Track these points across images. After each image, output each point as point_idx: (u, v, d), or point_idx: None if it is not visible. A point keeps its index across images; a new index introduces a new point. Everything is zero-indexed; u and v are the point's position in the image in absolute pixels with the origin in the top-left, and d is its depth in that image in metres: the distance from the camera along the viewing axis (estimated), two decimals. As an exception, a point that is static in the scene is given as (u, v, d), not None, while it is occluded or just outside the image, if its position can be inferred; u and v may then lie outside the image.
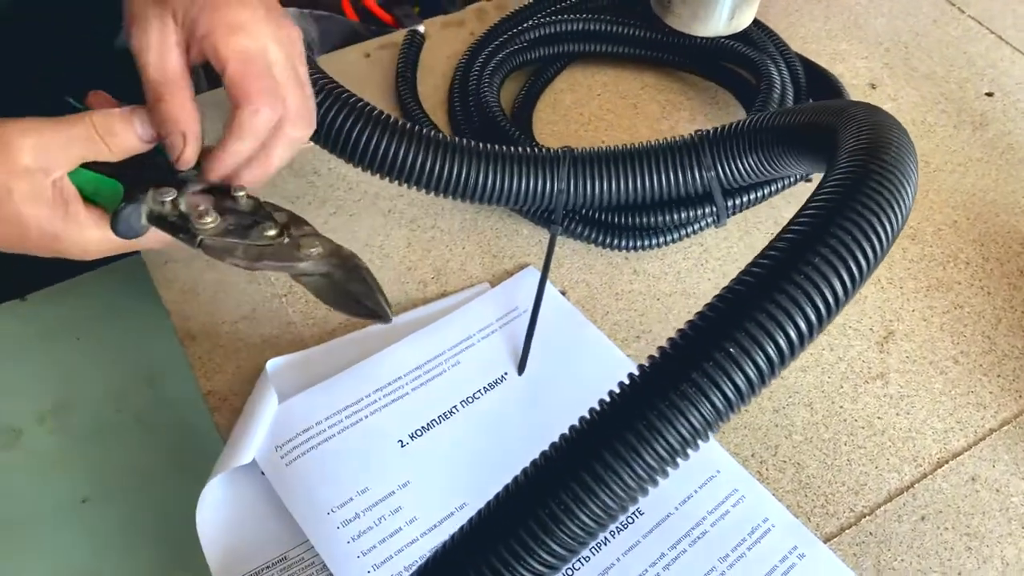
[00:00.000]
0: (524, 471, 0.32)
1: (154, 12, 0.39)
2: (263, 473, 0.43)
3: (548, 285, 0.51)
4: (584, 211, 0.52)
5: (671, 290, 0.52)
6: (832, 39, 0.69)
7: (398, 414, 0.45)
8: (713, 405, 0.30)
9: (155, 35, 0.39)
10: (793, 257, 0.31)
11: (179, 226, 0.39)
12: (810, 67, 0.61)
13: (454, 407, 0.46)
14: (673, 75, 0.65)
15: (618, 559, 0.42)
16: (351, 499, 0.42)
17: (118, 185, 0.39)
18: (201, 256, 0.52)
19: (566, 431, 0.31)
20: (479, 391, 0.47)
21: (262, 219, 0.40)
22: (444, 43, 0.66)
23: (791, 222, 0.32)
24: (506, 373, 0.48)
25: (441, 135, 0.48)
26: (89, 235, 0.39)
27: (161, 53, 0.39)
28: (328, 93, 0.47)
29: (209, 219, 0.39)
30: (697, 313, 0.31)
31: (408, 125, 0.47)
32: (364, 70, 0.64)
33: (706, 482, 0.44)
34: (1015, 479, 0.46)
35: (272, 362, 0.46)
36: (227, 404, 0.46)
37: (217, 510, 0.41)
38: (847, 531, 0.43)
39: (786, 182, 0.53)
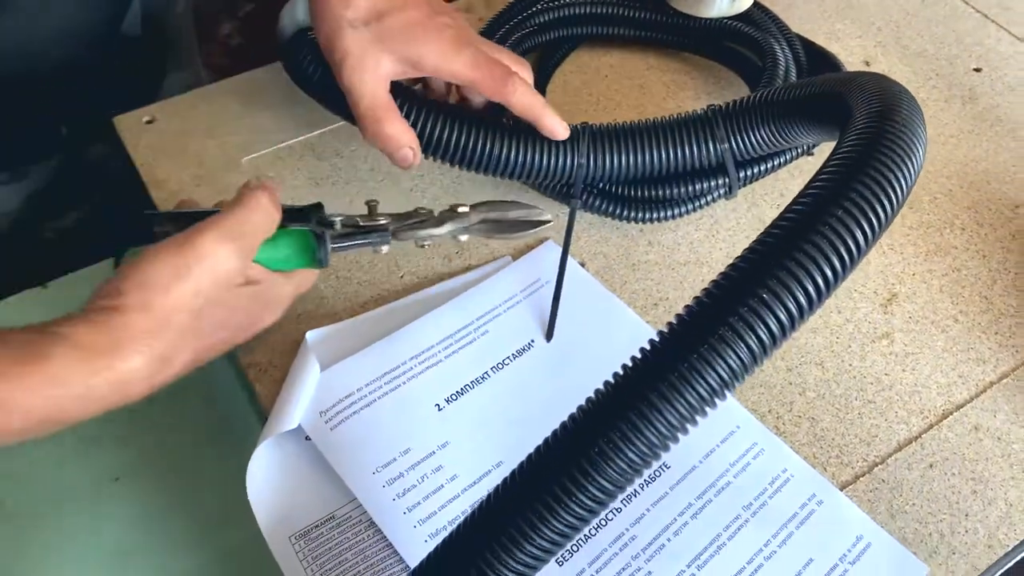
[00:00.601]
0: (571, 416, 0.34)
1: (363, 58, 0.46)
2: (307, 438, 0.44)
3: (569, 260, 0.53)
4: (601, 185, 0.54)
5: (685, 260, 0.55)
6: (827, 19, 0.72)
7: (433, 380, 0.47)
8: (741, 353, 0.32)
9: (364, 76, 0.46)
10: (816, 211, 0.33)
11: (357, 234, 0.44)
12: (809, 46, 0.63)
13: (486, 373, 0.48)
14: (676, 56, 0.67)
15: (648, 509, 0.44)
16: (394, 459, 0.44)
17: (306, 231, 0.44)
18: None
19: (608, 380, 0.33)
20: (508, 357, 0.49)
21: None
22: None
23: (810, 183, 0.35)
24: (533, 340, 0.50)
25: (463, 109, 0.50)
26: (285, 292, 0.45)
27: (374, 90, 0.47)
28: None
29: (382, 219, 0.45)
30: (728, 266, 0.33)
31: (432, 99, 0.49)
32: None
33: (727, 437, 0.47)
34: (1015, 427, 0.48)
35: (311, 333, 0.48)
36: (267, 375, 0.48)
37: (266, 474, 0.43)
38: (861, 479, 0.46)
39: (793, 154, 0.56)
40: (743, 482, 0.45)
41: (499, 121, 0.50)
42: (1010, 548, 0.44)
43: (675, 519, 0.44)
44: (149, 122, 0.60)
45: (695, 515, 0.44)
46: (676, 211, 0.55)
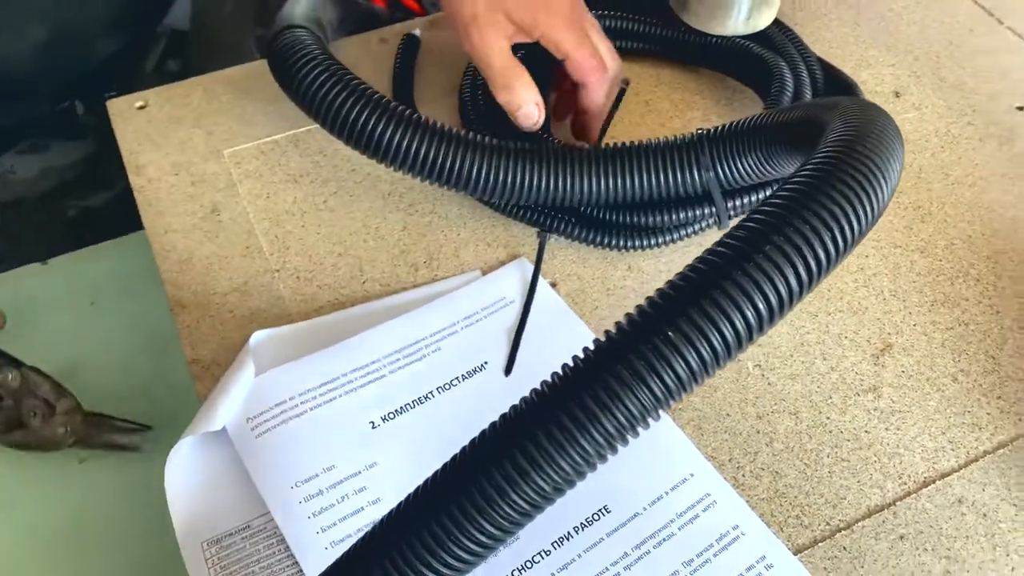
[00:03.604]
0: (462, 449, 0.32)
1: (491, 17, 0.49)
2: (232, 442, 0.43)
3: (539, 279, 0.50)
4: (579, 209, 0.51)
5: (664, 289, 0.51)
6: (860, 45, 0.67)
7: (373, 395, 0.45)
8: (651, 390, 0.29)
9: (493, 35, 0.49)
10: (750, 243, 0.30)
11: None
12: (829, 71, 0.59)
13: (430, 392, 0.46)
14: (689, 72, 0.64)
15: (579, 555, 0.41)
16: (316, 475, 0.42)
17: None
18: (201, 227, 0.53)
19: (505, 411, 0.31)
20: (457, 378, 0.47)
21: None
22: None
23: (756, 207, 0.32)
24: (486, 362, 0.47)
25: (435, 122, 0.48)
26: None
27: (502, 49, 0.50)
28: (339, 79, 0.47)
29: None
30: (648, 297, 0.30)
31: (408, 112, 0.48)
32: (379, 55, 0.64)
33: (678, 484, 0.44)
34: (1005, 504, 0.44)
35: (256, 335, 0.47)
36: (209, 373, 0.46)
37: (185, 473, 0.42)
38: (820, 544, 0.42)
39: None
40: (688, 535, 0.42)
41: (464, 136, 0.48)
42: (980, 642, 0.40)
43: (606, 568, 0.41)
44: (141, 107, 0.59)
45: (629, 566, 0.41)
46: (659, 239, 0.51)
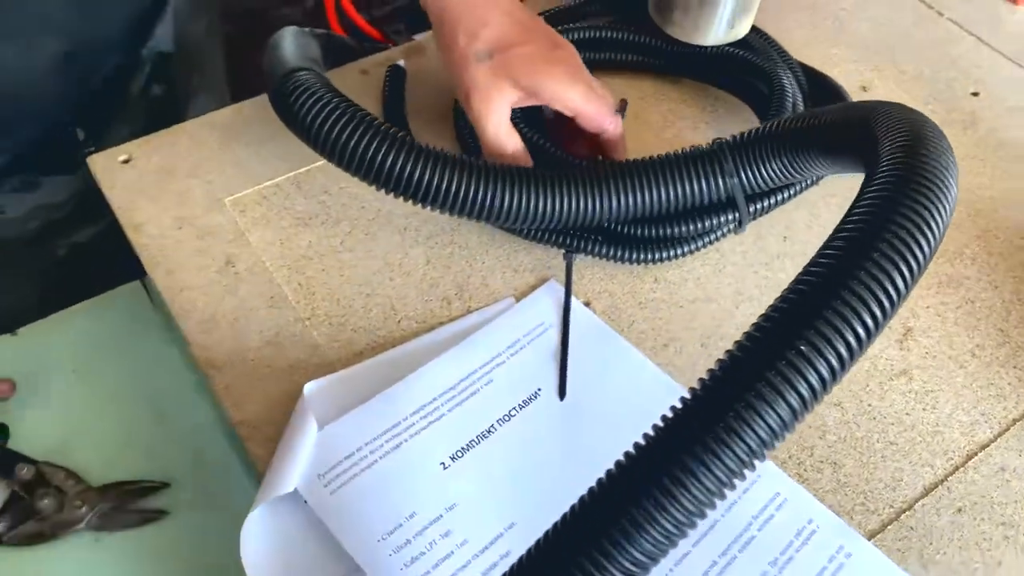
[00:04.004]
0: (598, 481, 0.32)
1: (495, 85, 0.50)
2: (307, 501, 0.41)
3: (573, 300, 0.51)
4: (605, 226, 0.52)
5: (693, 297, 0.53)
6: (822, 44, 0.71)
7: (437, 435, 0.44)
8: (782, 410, 0.30)
9: (495, 105, 0.50)
10: (856, 254, 0.31)
11: None
12: (808, 72, 0.62)
13: (491, 426, 0.46)
14: (669, 84, 0.66)
15: (671, 570, 0.42)
16: (400, 525, 0.41)
17: None
18: (219, 282, 0.51)
19: (639, 441, 0.31)
20: (514, 408, 0.46)
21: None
22: (443, 58, 0.65)
23: (845, 221, 0.33)
24: (539, 389, 0.47)
25: (463, 157, 0.48)
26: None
27: (499, 121, 0.50)
28: (353, 117, 0.46)
29: None
30: (762, 315, 0.31)
31: (438, 150, 0.47)
32: (362, 87, 0.63)
33: (748, 487, 0.45)
34: (1042, 467, 0.47)
35: (309, 385, 0.45)
36: (260, 433, 0.45)
37: (262, 540, 0.40)
38: (889, 527, 0.44)
39: (803, 186, 0.54)
40: (768, 535, 0.43)
41: (487, 166, 0.47)
42: (1048, 598, 0.42)
43: (698, 579, 0.41)
44: (125, 161, 0.56)
45: (720, 573, 0.42)
46: (684, 249, 0.52)
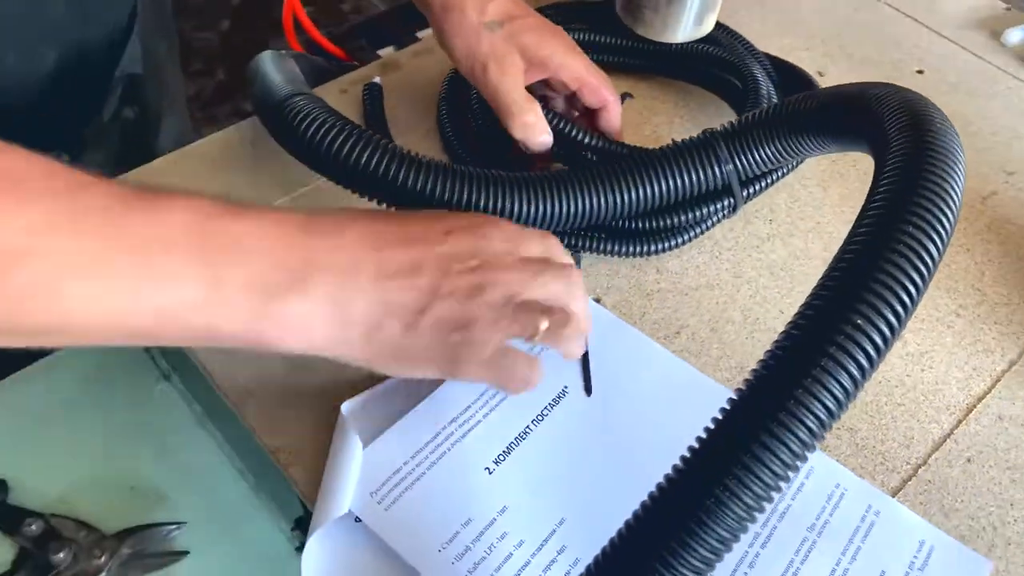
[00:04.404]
0: (666, 477, 0.33)
1: (509, 53, 0.51)
2: (358, 520, 0.42)
3: (585, 295, 0.52)
4: (609, 224, 0.53)
5: (696, 284, 0.55)
6: (774, 35, 0.74)
7: (477, 442, 0.45)
8: (844, 379, 0.32)
9: (512, 71, 0.51)
10: (886, 236, 0.33)
11: None
12: (775, 62, 0.65)
13: (527, 427, 0.46)
14: (640, 80, 0.68)
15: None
16: (457, 533, 0.41)
17: None
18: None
19: (707, 427, 0.33)
20: (546, 407, 0.47)
21: None
22: (418, 72, 0.66)
23: (868, 207, 0.35)
24: (566, 387, 0.49)
25: (475, 170, 0.48)
26: None
27: (518, 84, 0.52)
28: (360, 137, 0.47)
29: None
30: (810, 295, 0.33)
31: (433, 161, 0.48)
32: (343, 106, 0.63)
33: (777, 459, 0.47)
34: (1034, 412, 0.50)
35: (345, 405, 0.45)
36: (300, 459, 0.44)
37: (324, 564, 0.40)
38: (909, 483, 0.47)
39: (789, 168, 0.57)
40: (801, 503, 0.45)
41: (511, 178, 0.48)
42: (1057, 531, 0.46)
43: (746, 551, 0.43)
44: (112, 198, 0.55)
45: (764, 544, 0.44)
46: (684, 237, 0.54)
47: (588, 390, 0.49)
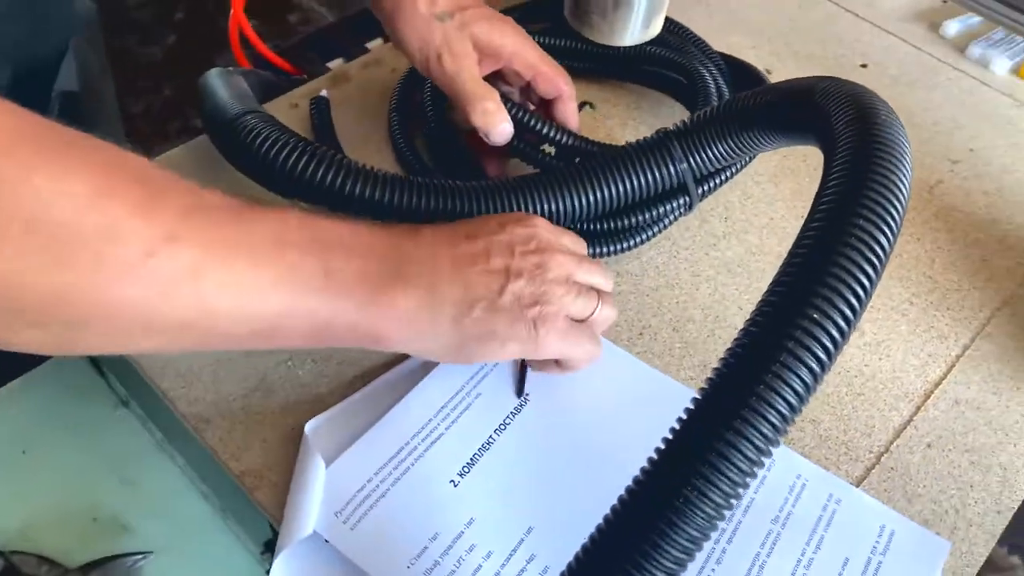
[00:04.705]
0: (635, 480, 0.33)
1: (461, 39, 0.51)
2: (327, 541, 0.41)
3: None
4: (566, 227, 0.53)
5: (655, 284, 0.55)
6: (720, 34, 0.75)
7: (441, 455, 0.45)
8: (793, 389, 0.32)
9: (466, 60, 0.51)
10: (838, 231, 0.34)
11: None
12: (728, 60, 0.66)
13: (490, 437, 0.46)
14: (590, 82, 0.68)
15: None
16: (426, 547, 0.41)
17: None
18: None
19: (661, 442, 0.33)
20: (508, 415, 0.47)
21: None
22: (368, 83, 0.66)
23: (814, 210, 0.36)
24: (527, 395, 0.49)
25: (431, 181, 0.48)
26: None
27: (473, 73, 0.51)
28: (315, 154, 0.47)
29: None
30: (766, 293, 0.34)
31: (408, 178, 0.48)
32: (293, 120, 0.62)
33: (741, 455, 0.47)
34: (988, 395, 0.51)
35: (310, 424, 0.45)
36: (265, 481, 0.44)
37: (291, 589, 0.40)
38: (872, 471, 0.47)
39: (742, 164, 0.57)
40: (764, 496, 0.46)
41: (467, 187, 0.48)
42: (1016, 509, 0.47)
43: (713, 548, 0.43)
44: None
45: (730, 539, 0.44)
46: (643, 236, 0.55)
47: (519, 391, 0.48)
